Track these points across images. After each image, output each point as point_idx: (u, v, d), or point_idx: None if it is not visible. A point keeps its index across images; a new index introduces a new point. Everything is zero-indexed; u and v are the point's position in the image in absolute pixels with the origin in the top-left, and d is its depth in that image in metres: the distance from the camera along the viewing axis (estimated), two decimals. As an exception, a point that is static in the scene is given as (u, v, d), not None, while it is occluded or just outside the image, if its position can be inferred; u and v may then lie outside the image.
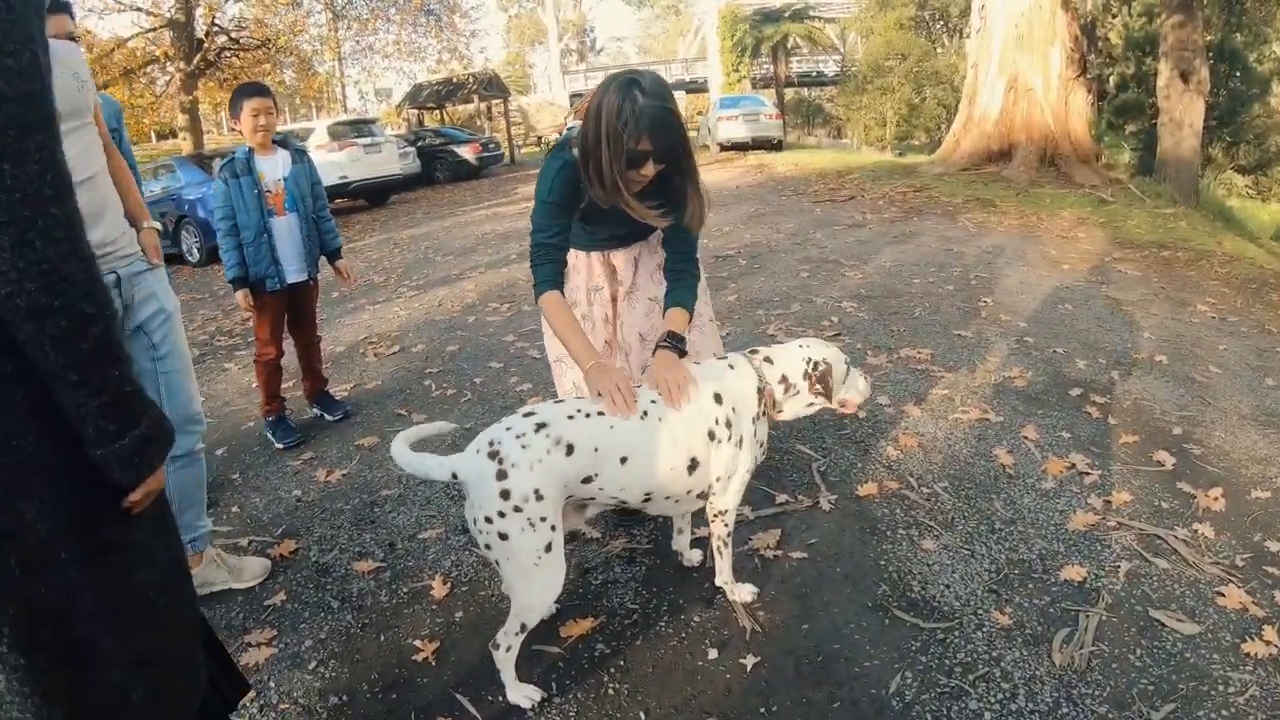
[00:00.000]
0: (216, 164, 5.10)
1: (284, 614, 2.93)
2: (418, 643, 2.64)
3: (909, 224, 9.30)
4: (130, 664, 1.39)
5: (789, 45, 35.59)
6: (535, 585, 2.15)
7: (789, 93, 40.43)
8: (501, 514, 2.04)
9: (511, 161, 28.98)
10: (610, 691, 2.39)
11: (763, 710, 2.26)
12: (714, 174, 17.62)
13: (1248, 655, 2.37)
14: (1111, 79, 22.79)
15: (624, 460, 2.19)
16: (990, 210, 9.87)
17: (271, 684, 2.54)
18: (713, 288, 6.95)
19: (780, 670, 2.41)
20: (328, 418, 4.83)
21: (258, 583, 3.09)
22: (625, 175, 2.33)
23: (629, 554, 3.10)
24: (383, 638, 2.72)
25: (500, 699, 2.35)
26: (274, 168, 4.30)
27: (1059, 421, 3.89)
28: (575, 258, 2.97)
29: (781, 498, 3.36)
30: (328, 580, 3.11)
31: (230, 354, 6.69)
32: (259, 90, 4.24)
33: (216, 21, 21.42)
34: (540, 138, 40.33)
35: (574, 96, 56.84)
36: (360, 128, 16.89)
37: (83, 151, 2.38)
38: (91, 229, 2.26)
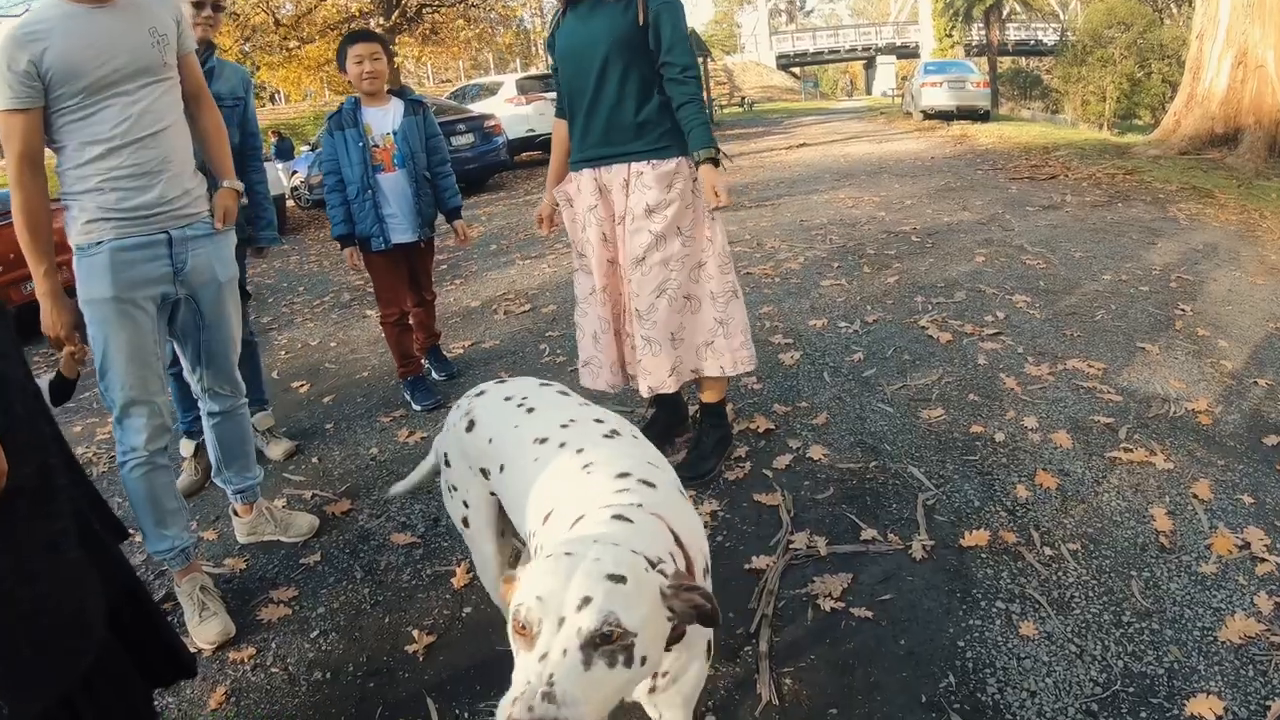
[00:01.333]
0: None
1: (312, 575, 2.92)
2: (416, 632, 2.49)
3: (1111, 210, 8.09)
4: None
5: (1004, 10, 32.91)
6: (474, 555, 2.03)
7: (1005, 61, 37.62)
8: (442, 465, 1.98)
9: (711, 120, 28.24)
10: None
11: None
12: (910, 143, 16.39)
13: None
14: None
15: (502, 468, 1.75)
16: (1206, 201, 8.46)
17: (273, 645, 2.54)
18: (875, 266, 6.31)
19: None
20: (434, 376, 4.63)
21: (302, 540, 3.08)
22: None
23: (670, 577, 2.59)
24: (387, 619, 2.60)
25: (466, 714, 2.14)
26: (383, 120, 4.00)
27: (1243, 479, 3.02)
28: (570, 183, 3.07)
29: (868, 533, 2.74)
30: (364, 548, 3.03)
31: (374, 302, 6.70)
32: (364, 36, 3.99)
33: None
34: (744, 98, 39.43)
35: (780, 57, 55.42)
36: (549, 82, 16.55)
37: (148, 108, 2.36)
38: (147, 188, 2.38)
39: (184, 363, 2.80)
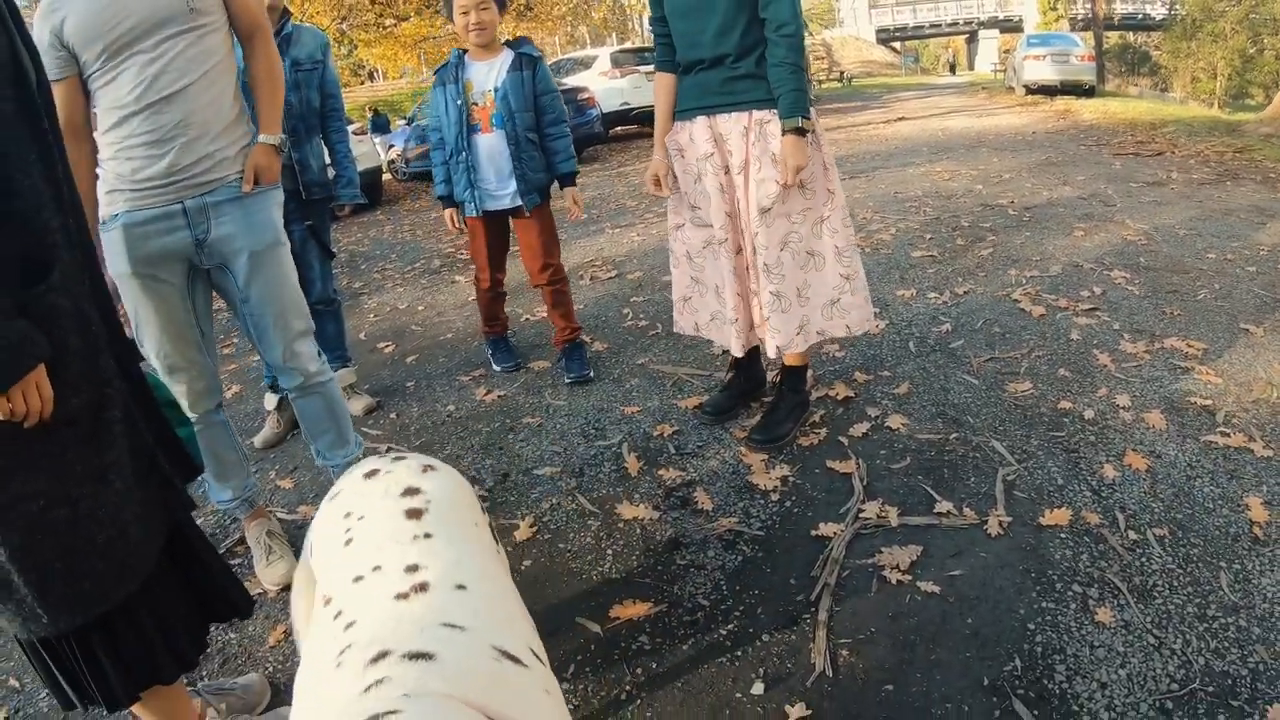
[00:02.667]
0: None
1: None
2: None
3: (1220, 188, 7.53)
4: None
5: (1112, -19, 31.16)
6: None
7: (1112, 36, 35.62)
8: None
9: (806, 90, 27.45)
10: (621, 697, 1.91)
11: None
12: (1011, 118, 15.61)
13: None
14: None
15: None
16: (1325, 183, 7.83)
17: None
18: (969, 239, 6.00)
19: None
20: (567, 378, 3.96)
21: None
22: None
23: (732, 537, 2.50)
24: None
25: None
26: (486, 76, 3.53)
27: (1352, 471, 2.75)
28: (680, 132, 2.93)
29: (943, 505, 2.57)
30: None
31: (465, 268, 6.78)
32: None
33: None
34: (843, 73, 38.35)
35: (880, 32, 53.57)
36: (643, 55, 16.41)
37: (167, 66, 2.12)
38: (158, 158, 2.15)
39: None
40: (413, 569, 1.14)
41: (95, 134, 2.22)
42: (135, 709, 1.61)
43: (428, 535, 1.22)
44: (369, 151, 13.43)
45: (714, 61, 2.74)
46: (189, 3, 2.14)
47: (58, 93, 2.06)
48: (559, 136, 3.65)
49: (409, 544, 1.20)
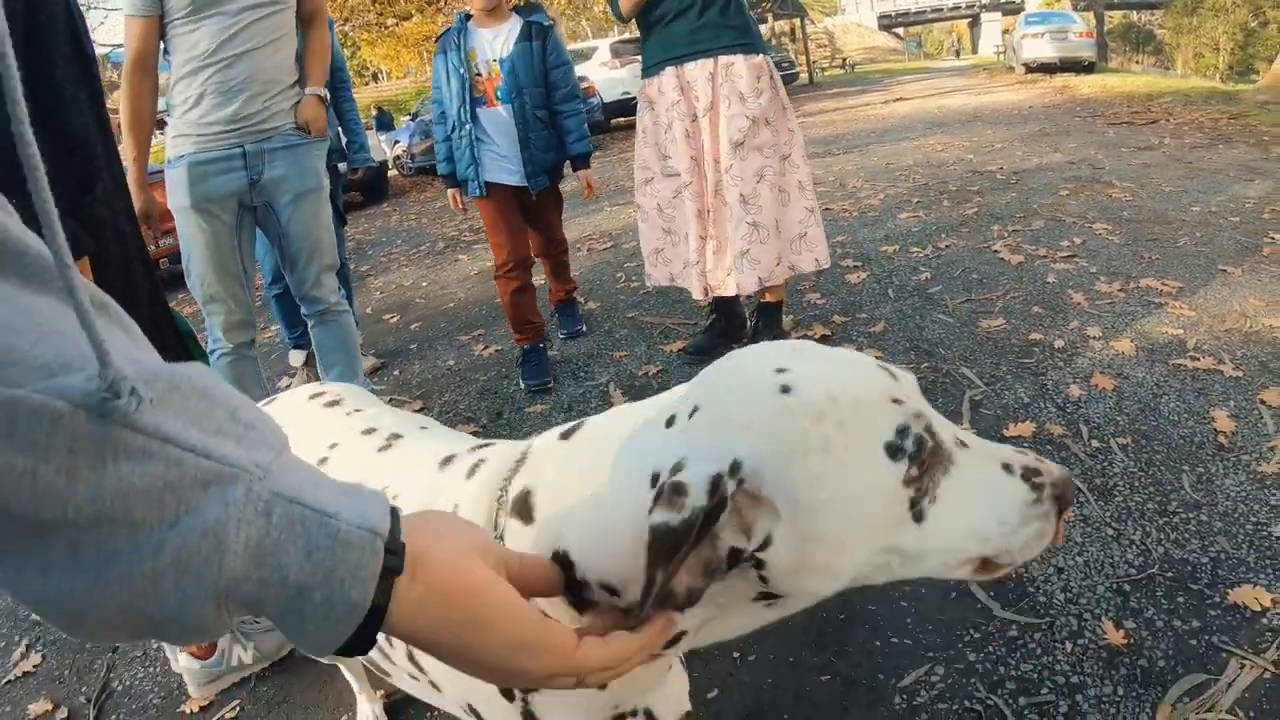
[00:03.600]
0: None
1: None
2: None
3: (1211, 150, 7.51)
4: None
5: (1111, -41, 31.18)
6: None
7: (1116, 16, 35.54)
8: None
9: (811, 82, 27.45)
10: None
11: (735, 654, 1.66)
12: (1009, 95, 15.58)
13: None
14: None
15: None
16: (1317, 144, 7.80)
17: None
18: (955, 200, 6.01)
19: (787, 622, 1.76)
20: (560, 334, 4.04)
21: None
22: None
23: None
24: None
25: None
26: (492, 44, 3.23)
27: (1321, 389, 2.76)
28: (649, 86, 3.06)
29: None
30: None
31: (468, 247, 6.92)
32: None
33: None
34: (845, 60, 38.31)
35: (882, 18, 53.47)
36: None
37: (242, 31, 2.39)
38: (226, 104, 2.43)
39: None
40: (370, 431, 1.08)
41: (167, 79, 2.49)
42: None
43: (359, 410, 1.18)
44: (374, 148, 13.49)
45: (679, 13, 2.85)
46: None
47: (139, 27, 2.37)
48: (572, 114, 3.33)
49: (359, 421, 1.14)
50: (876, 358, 2.12)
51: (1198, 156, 7.28)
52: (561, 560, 0.65)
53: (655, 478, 0.60)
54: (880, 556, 0.65)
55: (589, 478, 0.67)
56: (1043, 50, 19.57)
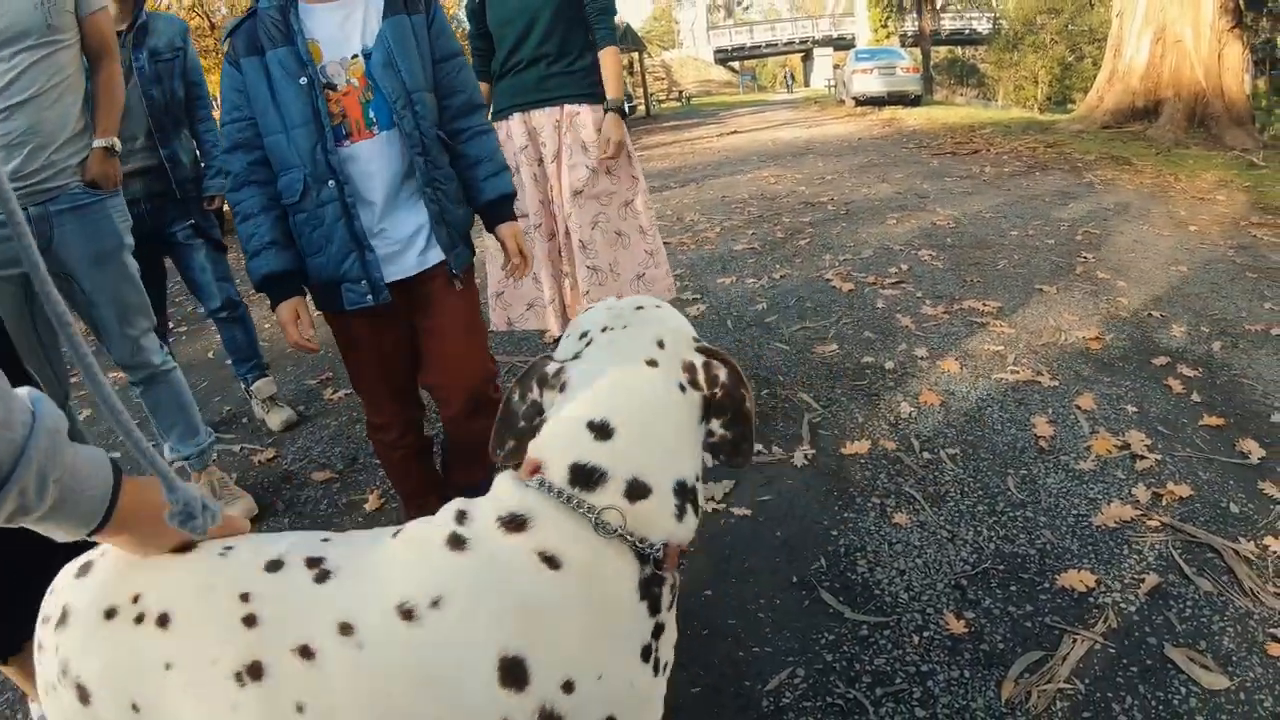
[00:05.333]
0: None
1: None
2: None
3: (1029, 178, 8.35)
4: None
5: (937, 1, 34.13)
6: None
7: (942, 51, 38.80)
8: None
9: (648, 115, 28.46)
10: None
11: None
12: (839, 128, 16.71)
13: (1287, 730, 1.71)
14: (1280, 43, 20.60)
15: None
16: (1123, 168, 8.77)
17: None
18: (789, 232, 6.42)
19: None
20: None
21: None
22: None
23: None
24: None
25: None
26: (342, 29, 1.96)
27: (1128, 393, 3.16)
28: (500, 129, 3.12)
29: (755, 448, 2.81)
30: (285, 487, 3.13)
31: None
32: None
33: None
34: (681, 92, 39.90)
35: (718, 52, 56.18)
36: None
37: (19, 76, 2.28)
38: (7, 160, 2.27)
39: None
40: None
41: None
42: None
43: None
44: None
45: (531, 62, 3.04)
46: (47, 19, 2.29)
47: None
48: (479, 132, 2.12)
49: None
50: None
51: (1016, 184, 8.05)
52: (678, 489, 1.02)
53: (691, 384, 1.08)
54: None
55: (657, 427, 1.03)
56: (872, 85, 21.25)
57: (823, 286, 4.73)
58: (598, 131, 3.06)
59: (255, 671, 0.89)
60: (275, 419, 3.68)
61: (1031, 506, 2.41)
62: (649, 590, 0.97)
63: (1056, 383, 3.23)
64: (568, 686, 0.91)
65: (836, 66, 34.77)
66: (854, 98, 21.92)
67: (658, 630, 0.99)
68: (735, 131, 17.71)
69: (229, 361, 3.89)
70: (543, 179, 3.16)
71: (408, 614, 0.90)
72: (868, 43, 32.58)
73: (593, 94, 3.08)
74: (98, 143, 2.46)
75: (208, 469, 2.92)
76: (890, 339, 3.78)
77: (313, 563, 0.96)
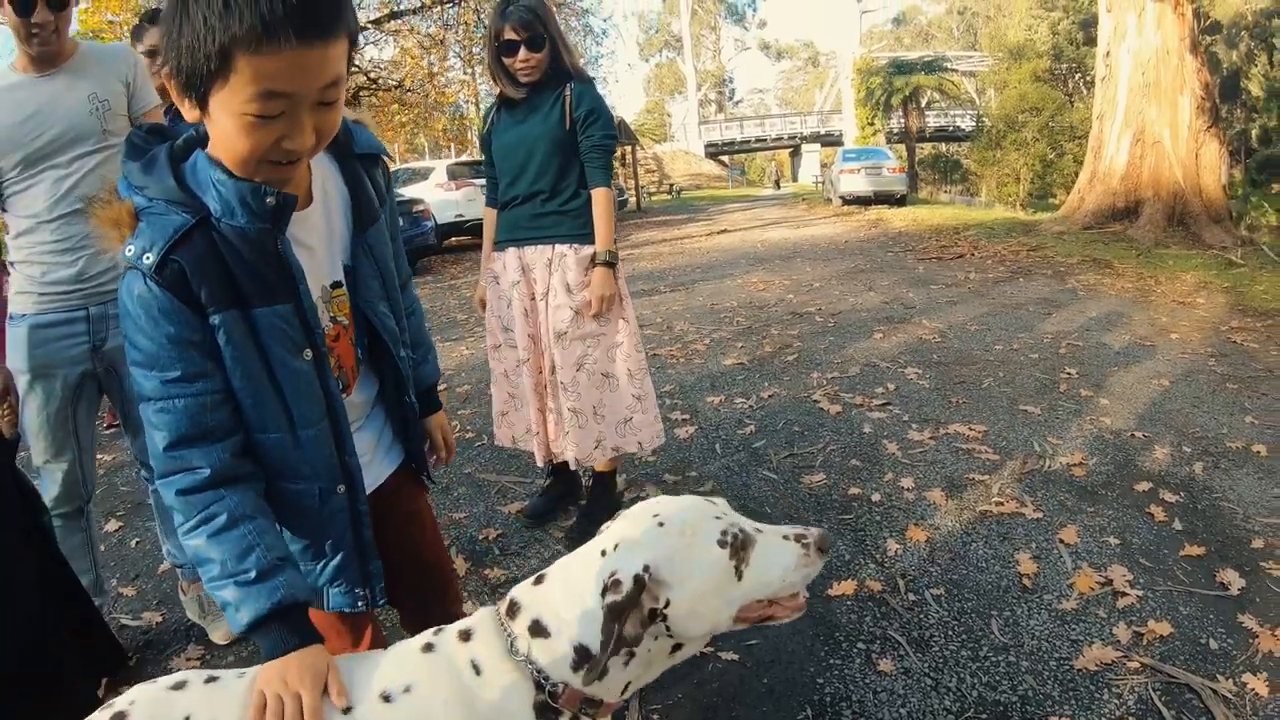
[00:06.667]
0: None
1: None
2: None
3: (1012, 284, 8.61)
4: None
5: (923, 99, 35.30)
6: None
7: (926, 148, 39.95)
8: None
9: (638, 208, 29.10)
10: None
11: None
12: (827, 228, 17.17)
13: None
14: (1254, 133, 21.30)
15: None
16: (1105, 272, 9.07)
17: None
18: (776, 346, 6.61)
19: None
20: None
21: (224, 643, 2.85)
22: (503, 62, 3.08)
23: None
24: None
25: None
26: (326, 248, 1.45)
27: (1110, 523, 3.28)
28: (495, 261, 3.31)
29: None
30: None
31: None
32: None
33: (355, 63, 22.14)
34: (672, 185, 40.84)
35: (709, 146, 57.79)
36: (478, 168, 17.29)
37: (80, 181, 2.41)
38: (69, 264, 2.43)
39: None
40: None
41: (8, 236, 2.52)
42: None
43: None
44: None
45: (527, 197, 3.18)
46: (103, 124, 2.46)
47: None
48: (412, 311, 1.80)
49: None
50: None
51: (1000, 291, 8.30)
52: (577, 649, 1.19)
53: (603, 584, 1.18)
54: (725, 604, 1.21)
55: (572, 598, 1.22)
56: (858, 185, 22.04)
57: (810, 408, 4.87)
58: (584, 273, 3.14)
59: None
60: None
61: (1014, 650, 2.51)
62: (544, 714, 1.21)
63: (1040, 514, 3.35)
64: None
65: (824, 165, 35.76)
66: (841, 197, 22.62)
67: None
68: (725, 230, 18.14)
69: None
70: (533, 314, 3.25)
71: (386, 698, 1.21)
72: (855, 140, 33.66)
73: (583, 234, 3.16)
74: None
75: (197, 581, 2.89)
76: (877, 467, 3.91)
77: None
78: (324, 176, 1.44)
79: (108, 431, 4.98)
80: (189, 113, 1.20)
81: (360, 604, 1.58)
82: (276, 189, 1.25)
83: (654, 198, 35.23)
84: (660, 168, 48.64)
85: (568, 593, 1.24)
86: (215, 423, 1.29)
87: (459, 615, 1.86)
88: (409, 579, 1.74)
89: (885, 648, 2.53)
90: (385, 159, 1.58)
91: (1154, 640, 2.54)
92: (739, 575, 1.20)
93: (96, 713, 1.16)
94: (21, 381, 2.49)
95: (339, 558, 1.53)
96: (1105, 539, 3.16)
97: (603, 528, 1.32)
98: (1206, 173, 12.01)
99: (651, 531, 1.24)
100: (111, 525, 3.72)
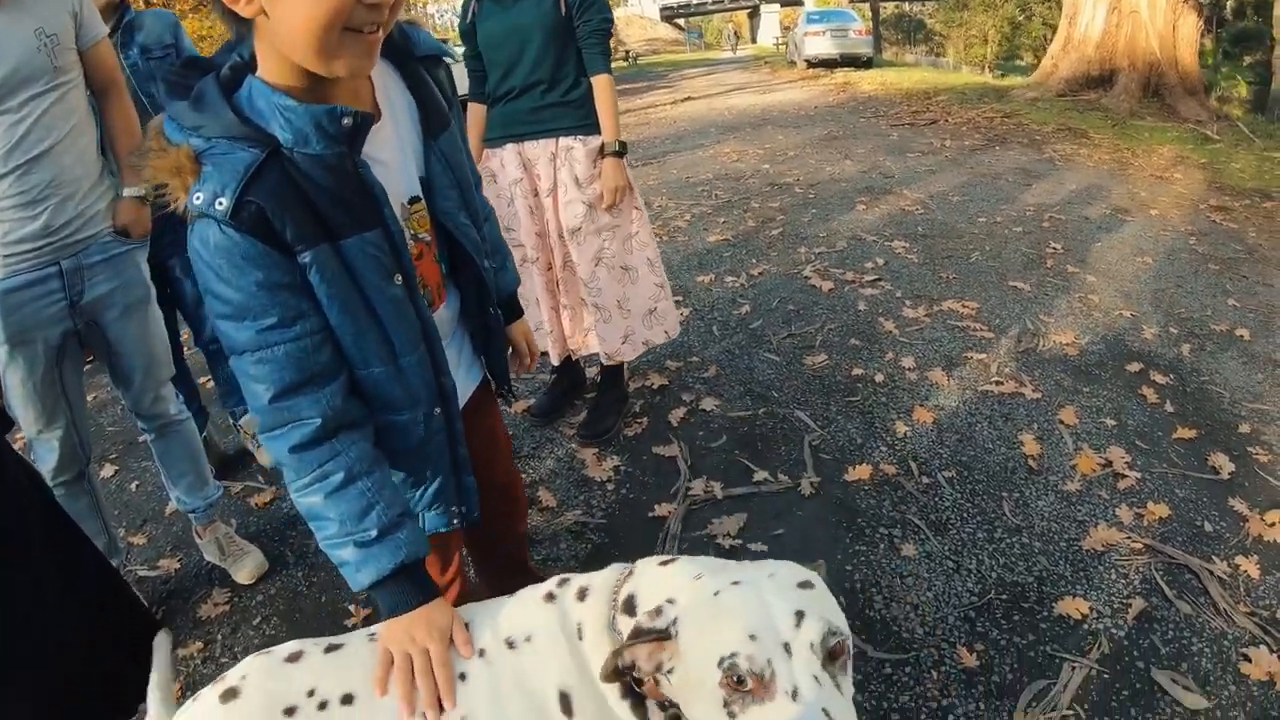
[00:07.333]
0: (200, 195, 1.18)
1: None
2: (352, 607, 2.59)
3: (989, 153, 8.60)
4: None
5: (888, -44, 34.46)
6: None
7: (889, 7, 39.09)
8: None
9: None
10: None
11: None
12: (794, 93, 16.87)
13: (1260, 751, 1.95)
14: (1229, 4, 21.12)
15: None
16: (1081, 141, 9.09)
17: (219, 637, 2.56)
18: (760, 220, 6.59)
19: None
20: None
21: (249, 583, 2.82)
22: None
23: (579, 528, 2.83)
24: (324, 598, 2.66)
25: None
26: (401, 163, 1.38)
27: (1106, 404, 3.40)
28: (491, 159, 3.15)
29: (760, 474, 2.99)
30: (291, 534, 3.04)
31: None
32: None
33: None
34: (629, 52, 39.72)
35: (664, 9, 56.01)
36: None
37: (34, 125, 2.16)
38: (32, 219, 2.18)
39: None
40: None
41: None
42: None
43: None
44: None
45: (524, 89, 3.02)
46: (53, 61, 2.20)
47: None
48: (488, 215, 1.78)
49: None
50: (715, 407, 2.44)
51: (978, 160, 8.30)
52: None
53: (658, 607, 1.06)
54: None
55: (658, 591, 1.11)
56: (824, 47, 21.70)
57: (802, 286, 4.90)
58: (593, 165, 3.05)
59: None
60: (267, 455, 3.53)
61: (1026, 532, 2.63)
62: (632, 698, 1.14)
63: (1039, 395, 3.46)
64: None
65: (786, 27, 34.89)
66: (806, 60, 22.20)
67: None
68: (689, 98, 17.74)
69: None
70: (539, 211, 3.16)
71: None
72: (817, 3, 32.76)
73: (587, 124, 3.05)
74: (129, 191, 2.40)
75: (213, 523, 2.91)
76: (877, 346, 3.98)
77: None
78: (385, 85, 1.36)
79: (85, 369, 4.77)
80: (247, 5, 1.10)
81: (456, 521, 1.60)
82: (350, 106, 1.18)
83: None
84: (615, 34, 47.22)
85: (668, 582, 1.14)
86: (320, 365, 1.26)
87: (523, 533, 2.08)
88: (483, 496, 1.70)
89: (906, 532, 2.64)
90: (448, 60, 1.50)
91: (1154, 522, 2.68)
92: (729, 713, 0.96)
93: (206, 689, 1.18)
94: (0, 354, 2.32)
95: (438, 481, 1.53)
96: (1102, 420, 3.28)
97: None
98: (1183, 45, 11.92)
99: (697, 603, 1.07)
100: (107, 471, 3.64)
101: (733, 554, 2.59)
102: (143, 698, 1.30)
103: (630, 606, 1.14)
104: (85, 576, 1.81)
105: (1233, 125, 10.63)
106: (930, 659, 2.15)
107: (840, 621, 0.97)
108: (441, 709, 1.17)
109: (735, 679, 0.93)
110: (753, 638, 0.93)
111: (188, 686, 2.38)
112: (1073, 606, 2.31)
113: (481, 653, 1.21)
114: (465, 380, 1.65)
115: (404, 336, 1.35)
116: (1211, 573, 2.46)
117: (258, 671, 1.17)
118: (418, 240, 1.41)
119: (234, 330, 1.21)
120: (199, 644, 2.53)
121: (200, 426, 3.17)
